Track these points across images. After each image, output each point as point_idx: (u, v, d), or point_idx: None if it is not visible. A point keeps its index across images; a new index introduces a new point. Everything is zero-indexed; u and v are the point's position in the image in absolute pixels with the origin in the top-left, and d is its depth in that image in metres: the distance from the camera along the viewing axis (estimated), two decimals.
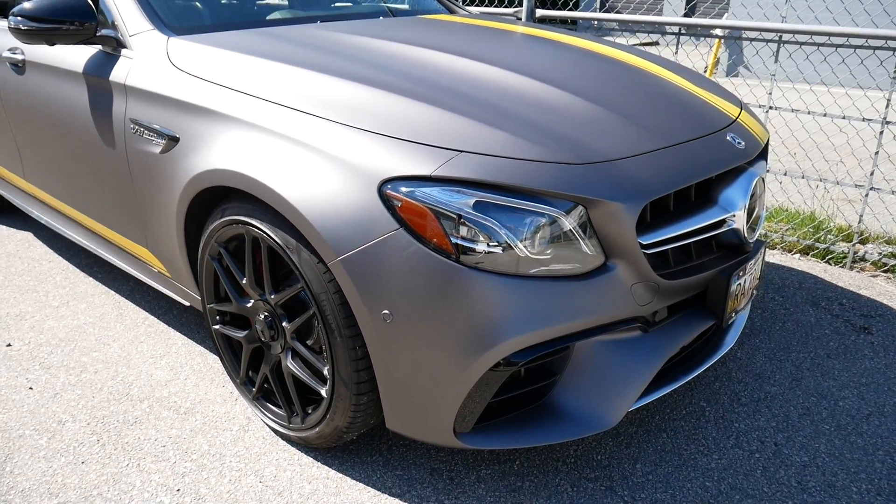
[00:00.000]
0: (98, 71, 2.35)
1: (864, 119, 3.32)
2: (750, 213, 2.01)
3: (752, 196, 1.99)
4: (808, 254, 3.50)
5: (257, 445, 2.07)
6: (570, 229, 1.66)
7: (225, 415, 2.21)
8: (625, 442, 2.09)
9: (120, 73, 2.26)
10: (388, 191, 1.63)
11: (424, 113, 1.79)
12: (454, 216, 1.59)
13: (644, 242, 1.74)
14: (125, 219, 2.45)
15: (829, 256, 3.43)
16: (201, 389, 2.33)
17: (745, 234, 2.00)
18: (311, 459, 2.02)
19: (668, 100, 2.16)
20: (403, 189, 1.62)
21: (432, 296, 1.62)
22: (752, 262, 2.05)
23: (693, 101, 2.22)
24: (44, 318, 2.78)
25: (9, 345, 2.58)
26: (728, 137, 2.04)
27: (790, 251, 3.48)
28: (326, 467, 1.99)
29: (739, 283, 2.03)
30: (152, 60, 2.20)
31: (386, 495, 1.89)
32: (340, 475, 1.96)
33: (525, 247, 1.63)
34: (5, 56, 2.81)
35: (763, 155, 2.28)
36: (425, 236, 1.61)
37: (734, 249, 2.06)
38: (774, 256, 3.40)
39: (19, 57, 2.73)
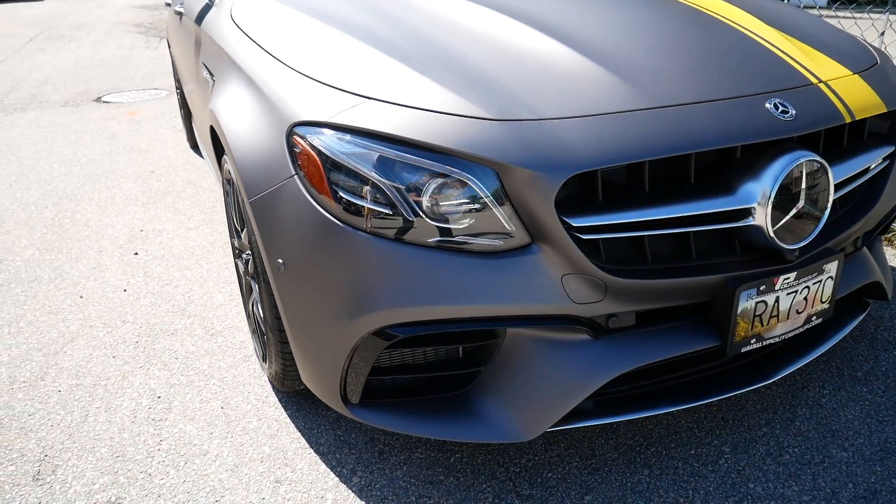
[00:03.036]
0: (199, 20, 2.62)
1: None
2: (786, 208, 1.49)
3: (790, 186, 1.48)
4: None
5: (244, 376, 2.18)
6: (480, 197, 1.41)
7: (240, 343, 2.35)
8: (593, 467, 1.75)
9: (204, 22, 2.50)
10: (294, 135, 1.56)
11: (359, 55, 1.67)
12: (344, 169, 1.46)
13: (575, 224, 1.41)
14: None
15: None
16: (239, 317, 2.51)
17: (773, 236, 1.50)
18: (275, 399, 2.06)
19: (710, 52, 1.72)
20: (304, 134, 1.53)
21: (316, 251, 1.52)
22: (800, 276, 1.55)
23: (753, 54, 1.72)
24: (174, 237, 3.23)
25: (135, 253, 3.06)
26: (768, 104, 1.53)
27: None
28: (281, 410, 2.02)
29: (764, 302, 1.54)
30: (222, 13, 2.38)
31: (312, 450, 1.85)
32: (287, 420, 1.97)
33: (420, 212, 1.43)
34: (176, 9, 3.29)
35: (858, 134, 1.68)
36: (314, 187, 1.51)
37: (771, 255, 1.57)
38: None
39: (178, 8, 3.17)
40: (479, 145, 1.40)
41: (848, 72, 1.77)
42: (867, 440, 1.81)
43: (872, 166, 1.76)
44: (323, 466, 1.81)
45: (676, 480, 1.71)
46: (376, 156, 1.45)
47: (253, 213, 1.64)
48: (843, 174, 1.65)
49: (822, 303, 1.67)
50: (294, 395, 2.08)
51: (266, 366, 2.02)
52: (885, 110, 1.72)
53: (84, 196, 3.71)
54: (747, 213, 1.50)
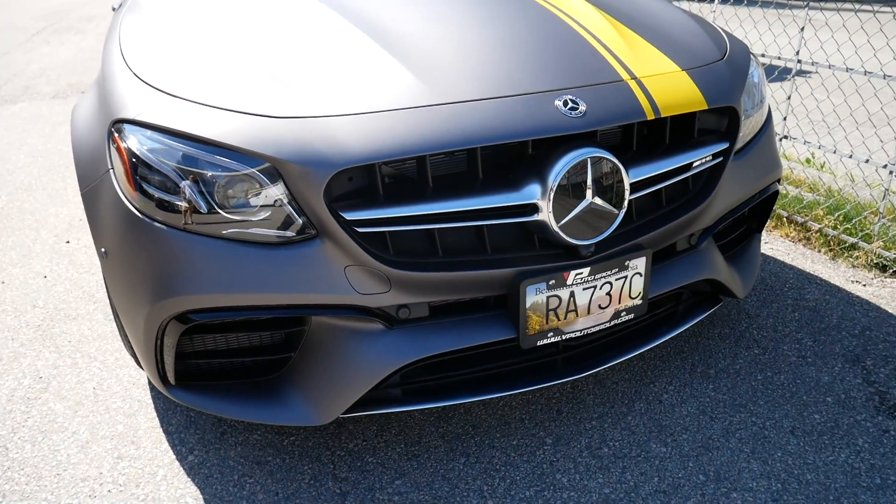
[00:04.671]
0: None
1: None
2: (573, 204, 1.52)
3: (577, 182, 1.51)
4: (884, 270, 2.42)
5: (125, 359, 2.28)
6: (267, 191, 1.49)
7: None
8: (414, 453, 1.81)
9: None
10: (112, 131, 1.64)
11: (180, 54, 1.75)
12: (146, 164, 1.55)
13: (349, 218, 1.46)
14: None
15: None
16: None
17: (559, 232, 1.53)
18: (145, 382, 2.16)
19: (522, 47, 1.75)
20: (118, 130, 1.62)
21: (126, 241, 1.60)
22: (596, 272, 1.58)
23: (568, 49, 1.76)
24: None
25: (67, 242, 3.20)
26: (559, 101, 1.56)
27: (836, 256, 2.43)
28: (147, 392, 2.11)
29: (557, 296, 1.58)
30: (119, 13, 2.48)
31: (161, 430, 1.94)
32: (149, 402, 2.06)
33: (214, 205, 1.50)
34: (113, 6, 3.41)
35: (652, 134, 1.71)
36: (122, 181, 1.59)
37: (569, 251, 1.60)
38: (823, 264, 2.41)
39: (114, 4, 3.28)
40: (260, 142, 1.47)
41: (674, 68, 1.77)
42: (692, 436, 1.82)
43: (696, 163, 1.76)
44: (165, 445, 1.90)
45: (488, 469, 1.75)
46: (173, 152, 1.52)
47: (84, 204, 1.73)
48: (652, 171, 1.66)
49: (632, 298, 1.69)
50: None
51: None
52: (706, 108, 1.72)
53: (39, 186, 3.88)
54: (534, 208, 1.54)
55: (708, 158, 1.79)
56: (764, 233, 2.98)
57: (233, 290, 1.52)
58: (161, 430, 1.95)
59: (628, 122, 1.60)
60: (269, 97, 1.55)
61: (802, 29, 2.78)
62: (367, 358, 1.58)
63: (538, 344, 1.63)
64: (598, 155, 1.52)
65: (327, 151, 1.44)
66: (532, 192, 1.52)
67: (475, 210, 1.54)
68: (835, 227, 2.84)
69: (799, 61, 2.82)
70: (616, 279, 1.64)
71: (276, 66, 1.66)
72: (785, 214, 3.00)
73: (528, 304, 1.57)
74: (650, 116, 1.62)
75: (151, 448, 1.89)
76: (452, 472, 1.75)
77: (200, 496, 1.72)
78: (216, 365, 1.73)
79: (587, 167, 1.52)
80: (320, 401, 1.61)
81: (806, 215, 2.94)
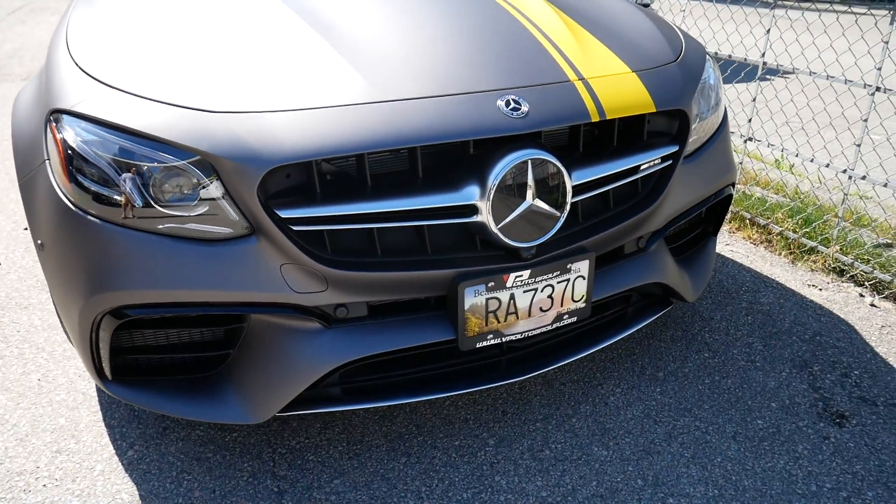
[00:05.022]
0: None
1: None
2: (512, 206, 1.51)
3: (517, 184, 1.50)
4: (841, 274, 2.43)
5: (73, 351, 2.25)
6: (203, 187, 1.46)
7: None
8: (355, 452, 1.80)
9: None
10: (50, 121, 1.61)
11: (123, 45, 1.71)
12: (80, 156, 1.51)
13: (283, 216, 1.44)
14: None
15: (872, 281, 2.33)
16: None
17: (499, 234, 1.52)
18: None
19: (471, 46, 1.73)
20: (55, 120, 1.58)
21: (61, 233, 1.57)
22: (536, 275, 1.58)
23: (516, 48, 1.74)
24: None
25: (25, 228, 3.16)
26: (500, 101, 1.54)
27: (796, 259, 2.43)
28: (92, 385, 2.09)
29: (497, 298, 1.57)
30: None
31: (103, 424, 1.92)
32: (93, 394, 2.04)
33: (149, 200, 1.47)
34: None
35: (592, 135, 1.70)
36: (57, 172, 1.56)
37: (510, 252, 1.59)
38: (781, 267, 2.42)
39: None
40: (193, 137, 1.45)
41: (624, 69, 1.76)
42: (634, 440, 1.82)
43: (644, 166, 1.75)
44: (106, 439, 1.88)
45: (428, 469, 1.74)
46: (108, 144, 1.49)
47: (21, 194, 1.70)
48: (596, 174, 1.65)
49: (575, 302, 1.68)
50: None
51: None
52: (654, 111, 1.71)
53: (2, 171, 3.82)
54: (473, 209, 1.52)
55: (657, 161, 1.78)
56: (726, 234, 2.98)
57: (167, 286, 1.49)
58: (103, 424, 1.93)
59: (572, 124, 1.58)
60: (209, 91, 1.52)
61: (768, 31, 2.77)
62: (304, 357, 1.56)
63: (477, 346, 1.62)
64: (539, 157, 1.51)
65: (261, 148, 1.42)
66: (471, 194, 1.50)
67: (414, 210, 1.52)
68: (795, 231, 2.85)
69: (764, 63, 2.82)
70: (558, 282, 1.63)
71: (220, 60, 1.63)
72: (748, 216, 3.00)
73: (466, 306, 1.56)
74: (595, 118, 1.61)
75: (92, 442, 1.87)
76: (392, 472, 1.74)
77: (136, 492, 1.71)
78: (155, 360, 1.71)
79: (528, 169, 1.50)
80: (256, 399, 1.59)
81: (768, 218, 2.95)
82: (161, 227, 1.49)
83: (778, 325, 2.30)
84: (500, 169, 1.49)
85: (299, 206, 1.47)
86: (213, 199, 1.47)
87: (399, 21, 1.81)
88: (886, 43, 2.33)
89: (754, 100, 2.82)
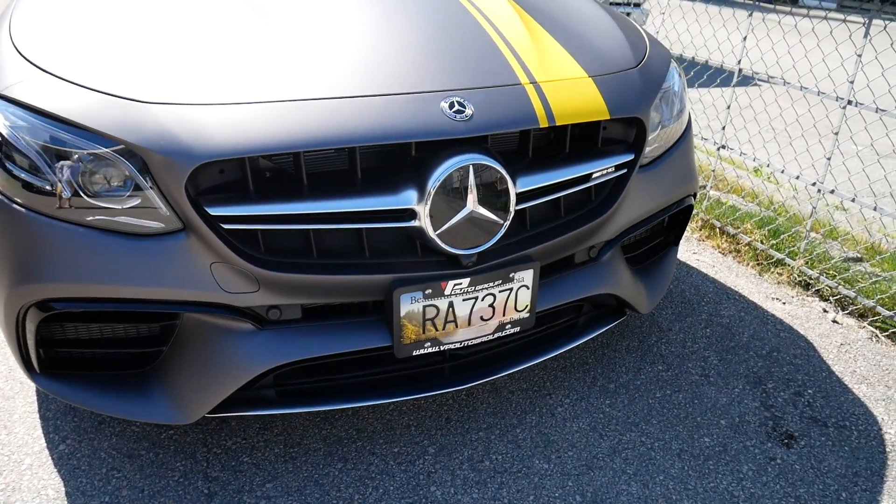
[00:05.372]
0: None
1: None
2: (452, 212, 1.46)
3: (458, 190, 1.45)
4: (807, 288, 2.39)
5: None
6: (132, 180, 1.41)
7: None
8: (291, 455, 1.75)
9: None
10: None
11: (65, 30, 1.65)
12: (6, 142, 1.45)
13: (213, 213, 1.39)
14: None
15: (843, 300, 2.29)
16: None
17: (437, 240, 1.47)
18: None
19: (422, 43, 1.68)
20: None
21: None
22: (476, 283, 1.53)
23: (469, 47, 1.69)
24: None
25: None
26: (444, 103, 1.49)
27: (765, 271, 2.40)
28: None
29: (435, 306, 1.52)
30: None
31: (38, 416, 1.87)
32: (31, 385, 1.99)
33: (77, 190, 1.42)
34: None
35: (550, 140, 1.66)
36: None
37: (450, 259, 1.54)
38: (746, 279, 2.38)
39: None
40: (125, 128, 1.39)
41: (581, 74, 1.71)
42: (577, 454, 1.78)
43: (596, 174, 1.71)
44: (38, 432, 1.83)
45: (364, 476, 1.70)
46: (38, 131, 1.43)
47: None
48: (544, 181, 1.60)
49: (518, 311, 1.64)
50: None
51: None
52: (608, 118, 1.66)
53: None
54: (411, 213, 1.47)
55: (610, 170, 1.73)
56: (694, 243, 2.94)
57: (93, 280, 1.44)
58: (38, 415, 1.88)
59: (519, 129, 1.53)
60: (145, 81, 1.46)
61: (745, 38, 2.72)
62: (235, 358, 1.51)
63: (414, 354, 1.57)
64: (481, 162, 1.46)
65: (191, 142, 1.37)
66: (409, 198, 1.45)
67: (351, 212, 1.47)
68: (763, 242, 2.81)
69: (740, 70, 2.77)
70: (500, 291, 1.59)
71: (159, 49, 1.57)
72: (718, 225, 2.97)
73: (402, 313, 1.51)
74: (543, 124, 1.56)
75: (24, 434, 1.82)
76: (327, 477, 1.70)
77: (63, 489, 1.66)
78: (88, 354, 1.66)
79: (469, 174, 1.46)
80: (185, 399, 1.55)
81: (737, 227, 2.91)
82: (90, 218, 1.44)
83: (736, 338, 2.27)
84: (440, 173, 1.44)
85: (231, 203, 1.42)
86: (144, 192, 1.41)
87: (349, 16, 1.75)
88: (860, 56, 2.28)
89: (728, 107, 2.77)
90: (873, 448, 1.85)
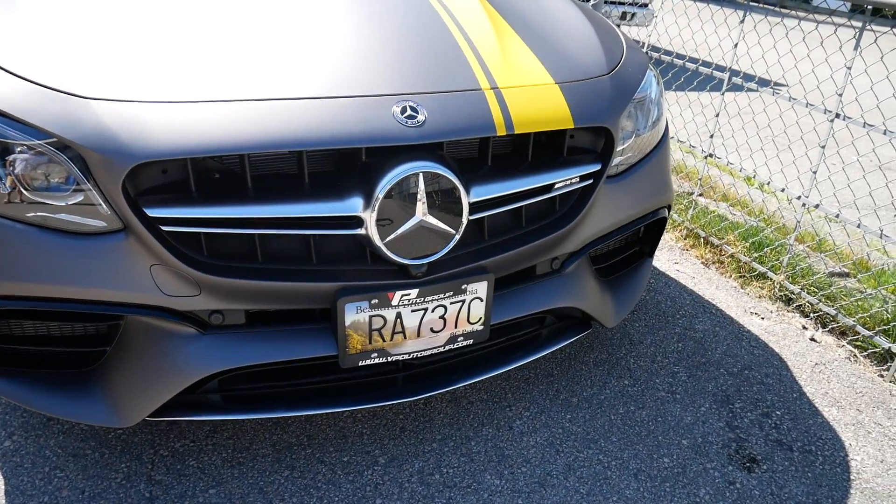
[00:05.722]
0: None
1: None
2: (400, 220, 1.42)
3: (407, 198, 1.40)
4: (789, 303, 2.33)
5: None
6: (72, 177, 1.36)
7: None
8: (239, 460, 1.72)
9: None
10: None
11: (16, 20, 1.60)
12: None
13: (151, 215, 1.35)
14: None
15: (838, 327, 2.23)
16: None
17: (384, 249, 1.42)
18: None
19: (381, 45, 1.63)
20: None
21: None
22: (426, 294, 1.49)
23: (431, 50, 1.63)
24: None
25: None
26: (396, 107, 1.44)
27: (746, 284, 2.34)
28: None
29: (382, 316, 1.48)
30: None
31: None
32: None
33: (18, 186, 1.38)
34: None
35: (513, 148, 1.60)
36: None
37: (400, 269, 1.49)
38: (724, 291, 2.32)
39: None
40: (65, 124, 1.34)
41: (547, 80, 1.65)
42: (531, 470, 1.74)
43: (559, 185, 1.65)
44: None
45: (309, 486, 1.66)
46: None
47: None
48: (500, 191, 1.55)
49: (471, 323, 1.59)
50: None
51: None
52: (572, 127, 1.60)
53: None
54: (358, 221, 1.43)
55: (575, 180, 1.68)
56: (677, 252, 2.88)
57: (29, 279, 1.40)
58: None
59: (474, 137, 1.48)
60: (88, 75, 1.41)
61: (736, 45, 2.65)
62: (176, 362, 1.47)
63: (360, 364, 1.53)
64: (432, 170, 1.41)
65: (129, 141, 1.32)
66: (355, 204, 1.41)
67: (297, 218, 1.43)
68: (746, 254, 2.75)
69: (730, 78, 2.69)
70: (451, 303, 1.54)
71: (106, 43, 1.51)
72: (703, 235, 2.90)
73: (347, 323, 1.47)
74: (501, 132, 1.51)
75: None
76: (272, 485, 1.66)
77: (2, 487, 1.63)
78: (35, 352, 1.62)
79: (419, 182, 1.41)
80: (124, 401, 1.51)
81: (722, 237, 2.85)
82: (30, 215, 1.39)
83: (708, 354, 2.21)
84: (388, 180, 1.39)
85: (171, 205, 1.37)
86: (84, 190, 1.37)
87: (310, 15, 1.70)
88: (849, 69, 2.21)
89: (717, 115, 2.70)
90: (837, 475, 1.79)
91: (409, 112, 1.44)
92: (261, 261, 1.47)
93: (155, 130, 1.33)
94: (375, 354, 1.53)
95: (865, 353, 2.30)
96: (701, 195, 3.17)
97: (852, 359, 2.28)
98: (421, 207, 1.43)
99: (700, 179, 3.00)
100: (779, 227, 2.97)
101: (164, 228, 1.38)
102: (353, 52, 1.56)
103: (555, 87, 1.64)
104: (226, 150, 1.34)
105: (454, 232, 1.48)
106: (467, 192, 1.48)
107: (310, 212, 1.41)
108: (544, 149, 1.70)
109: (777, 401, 2.04)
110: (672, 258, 2.81)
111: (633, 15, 6.19)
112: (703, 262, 2.80)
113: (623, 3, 6.08)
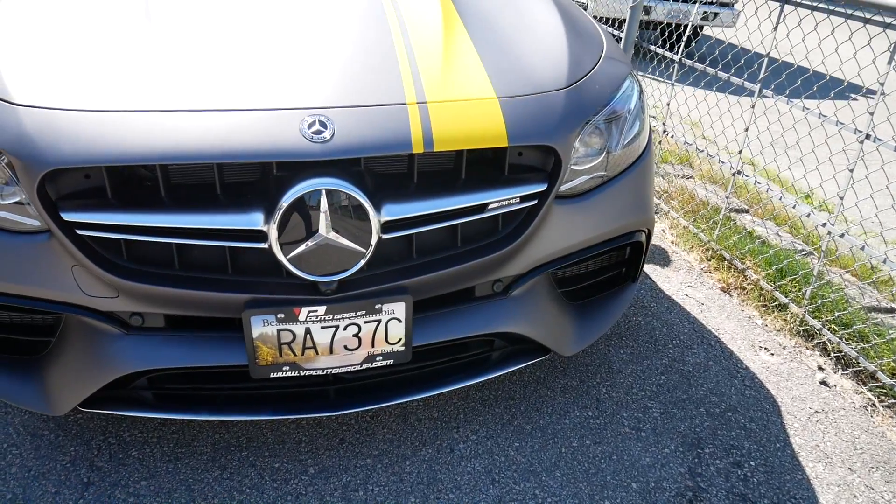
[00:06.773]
0: None
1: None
2: (303, 237, 1.40)
3: (313, 214, 1.39)
4: (811, 339, 2.06)
5: None
6: (6, 178, 1.44)
7: None
8: (178, 455, 1.77)
9: None
10: None
11: None
12: None
13: (66, 219, 1.41)
14: None
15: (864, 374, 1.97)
16: None
17: (287, 264, 1.42)
18: None
19: (303, 52, 1.61)
20: None
21: None
22: (334, 312, 1.48)
23: (361, 60, 1.58)
24: None
25: None
26: (304, 122, 1.41)
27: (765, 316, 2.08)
28: None
29: (290, 331, 1.48)
30: None
31: None
32: None
33: None
34: None
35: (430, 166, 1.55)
36: None
37: (309, 285, 1.49)
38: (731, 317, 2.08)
39: None
40: None
41: (488, 94, 1.56)
42: (458, 498, 1.68)
43: (493, 205, 1.56)
44: None
45: (234, 489, 1.68)
46: None
47: None
48: (417, 211, 1.48)
49: (390, 343, 1.55)
50: None
51: None
52: (505, 145, 1.51)
53: None
54: (262, 235, 1.42)
55: (514, 200, 1.58)
56: (696, 274, 2.67)
57: None
58: None
59: (388, 154, 1.43)
60: (21, 82, 1.48)
61: (768, 54, 2.40)
62: (101, 358, 1.53)
63: (272, 375, 1.52)
64: (336, 188, 1.37)
65: (44, 147, 1.37)
66: (257, 219, 1.40)
67: (206, 229, 1.43)
68: (770, 281, 2.51)
69: (760, 90, 2.44)
70: (365, 322, 1.50)
71: (40, 52, 1.57)
72: (727, 257, 2.67)
73: (255, 335, 1.46)
74: (418, 150, 1.44)
75: None
76: (200, 483, 1.70)
77: None
78: None
79: (321, 199, 1.37)
80: (56, 390, 1.59)
81: (745, 261, 2.61)
82: None
83: (691, 391, 2.04)
84: (288, 196, 1.37)
85: (87, 210, 1.42)
86: (11, 189, 1.44)
87: (240, 24, 1.68)
88: (882, 85, 1.94)
89: (746, 129, 2.47)
90: None
91: (317, 127, 1.41)
92: (178, 268, 1.49)
93: (69, 138, 1.38)
94: (287, 367, 1.52)
95: (885, 404, 2.05)
96: (725, 214, 2.92)
97: (869, 408, 2.04)
98: (324, 224, 1.40)
99: (728, 197, 2.75)
100: (816, 248, 2.69)
101: (80, 232, 1.43)
102: (277, 63, 1.54)
103: (494, 102, 1.56)
104: (134, 161, 1.37)
105: (363, 250, 1.44)
106: (377, 210, 1.43)
107: (218, 223, 1.41)
108: (486, 166, 1.62)
109: (755, 449, 1.85)
110: (687, 281, 2.61)
111: (716, 15, 5.80)
112: (723, 287, 2.58)
113: (708, 2, 5.70)
